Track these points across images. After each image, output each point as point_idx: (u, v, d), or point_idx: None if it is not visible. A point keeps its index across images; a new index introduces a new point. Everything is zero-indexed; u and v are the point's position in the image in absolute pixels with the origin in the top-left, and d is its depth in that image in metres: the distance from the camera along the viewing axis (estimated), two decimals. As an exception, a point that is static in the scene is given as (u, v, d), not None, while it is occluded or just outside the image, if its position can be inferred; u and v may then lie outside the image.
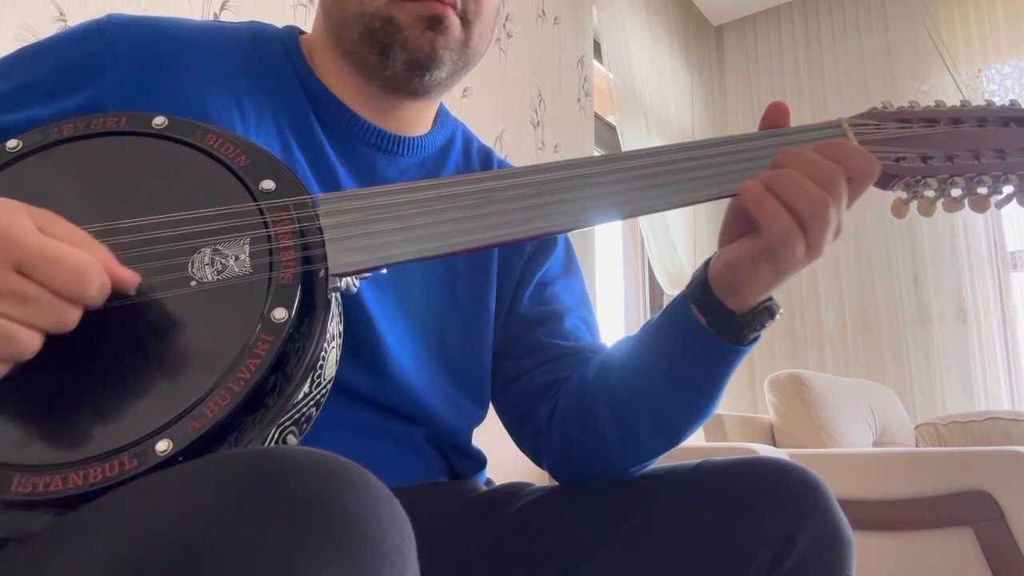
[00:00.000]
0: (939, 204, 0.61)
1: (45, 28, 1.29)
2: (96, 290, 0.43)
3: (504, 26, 2.39)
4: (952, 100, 0.63)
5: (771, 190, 0.55)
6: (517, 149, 2.36)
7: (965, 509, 1.73)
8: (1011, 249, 3.03)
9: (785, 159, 0.56)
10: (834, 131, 0.61)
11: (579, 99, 2.70)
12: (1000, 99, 0.64)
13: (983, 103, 0.63)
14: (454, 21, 0.67)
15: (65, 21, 1.31)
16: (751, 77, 3.63)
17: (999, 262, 3.01)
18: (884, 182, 0.60)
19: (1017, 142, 0.61)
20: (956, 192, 0.60)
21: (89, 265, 0.43)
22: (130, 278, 0.46)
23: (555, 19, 2.63)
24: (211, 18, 1.55)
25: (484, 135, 2.25)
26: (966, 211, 0.61)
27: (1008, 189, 0.60)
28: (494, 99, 2.30)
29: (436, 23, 0.66)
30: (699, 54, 3.52)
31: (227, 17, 1.57)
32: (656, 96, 3.00)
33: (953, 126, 0.61)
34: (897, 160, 0.60)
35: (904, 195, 0.61)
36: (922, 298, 3.09)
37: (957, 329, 3.01)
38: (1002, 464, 1.74)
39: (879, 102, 0.63)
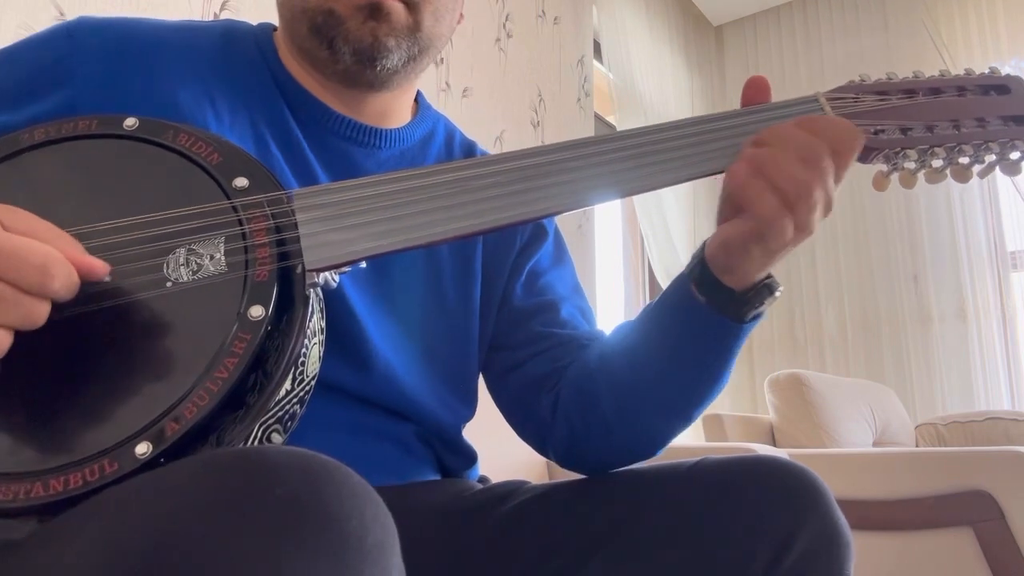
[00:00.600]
0: (920, 175, 0.60)
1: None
2: (61, 282, 0.42)
3: (504, 26, 2.39)
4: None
5: (757, 172, 0.54)
6: (517, 149, 2.35)
7: (965, 509, 1.73)
8: (1011, 249, 3.02)
9: (767, 137, 0.55)
10: (812, 106, 0.60)
11: (579, 99, 2.70)
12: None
13: (963, 72, 0.62)
14: (395, 7, 0.66)
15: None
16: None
17: (999, 262, 3.01)
18: (864, 155, 0.59)
19: (997, 110, 0.60)
20: (937, 163, 0.60)
21: (52, 258, 0.42)
22: (98, 267, 0.45)
23: (555, 19, 2.63)
24: (211, 18, 1.55)
25: (484, 135, 2.25)
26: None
27: (990, 158, 0.60)
28: (494, 99, 2.30)
29: (376, 11, 0.65)
30: (699, 54, 3.52)
31: (226, 16, 1.57)
32: (656, 96, 3.00)
33: (932, 96, 0.61)
34: (876, 132, 0.59)
35: (885, 168, 0.60)
36: (922, 298, 3.09)
37: (957, 329, 3.01)
38: (1002, 464, 1.74)
39: (857, 74, 0.63)
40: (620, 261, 3.17)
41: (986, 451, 1.84)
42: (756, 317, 0.62)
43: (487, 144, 2.15)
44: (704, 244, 0.62)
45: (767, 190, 0.54)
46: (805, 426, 2.32)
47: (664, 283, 2.87)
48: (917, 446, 2.58)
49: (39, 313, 0.42)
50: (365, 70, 0.68)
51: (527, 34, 2.48)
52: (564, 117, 2.61)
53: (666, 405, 0.67)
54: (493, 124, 2.28)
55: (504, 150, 2.28)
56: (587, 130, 2.72)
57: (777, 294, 0.62)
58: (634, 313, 3.21)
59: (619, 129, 2.80)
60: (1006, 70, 3.03)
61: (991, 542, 1.70)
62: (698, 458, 0.68)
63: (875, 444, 2.44)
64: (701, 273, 0.61)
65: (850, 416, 2.38)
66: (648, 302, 2.82)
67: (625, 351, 0.69)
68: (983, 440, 2.47)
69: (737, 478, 0.63)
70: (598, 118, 2.91)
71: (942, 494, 1.76)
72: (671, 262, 2.86)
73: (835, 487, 0.63)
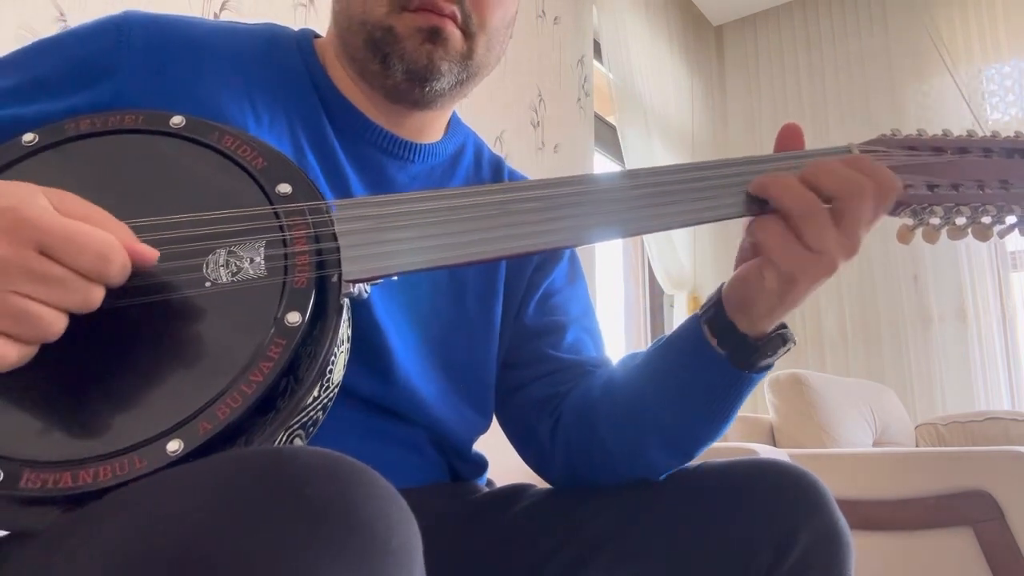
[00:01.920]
0: (944, 232, 0.62)
1: (45, 28, 1.29)
2: (118, 268, 0.43)
3: (504, 26, 2.38)
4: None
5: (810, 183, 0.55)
6: (517, 149, 2.36)
7: (965, 509, 1.73)
8: (1011, 249, 3.03)
9: (817, 172, 0.56)
10: (844, 156, 0.61)
11: (579, 99, 2.70)
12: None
13: (989, 134, 0.64)
14: (453, 33, 0.67)
15: (65, 21, 1.31)
16: (751, 77, 3.63)
17: (999, 262, 3.01)
18: (893, 208, 0.60)
19: (1021, 173, 0.62)
20: (961, 220, 0.61)
21: (110, 244, 0.43)
22: (149, 254, 0.46)
23: (555, 19, 2.63)
24: (211, 18, 1.55)
25: (484, 135, 2.24)
26: (976, 240, 0.62)
27: (1011, 219, 0.61)
28: (494, 99, 2.30)
29: (435, 35, 0.66)
30: (699, 54, 3.52)
31: (227, 17, 1.57)
32: (656, 96, 3.00)
33: (960, 155, 0.62)
34: (905, 187, 0.60)
35: (910, 222, 0.62)
36: (922, 298, 3.09)
37: (957, 329, 3.01)
38: (1002, 464, 1.74)
39: (889, 129, 0.64)
40: (620, 262, 3.17)
41: (986, 451, 1.84)
42: (767, 367, 0.63)
43: (487, 144, 2.15)
44: (721, 287, 0.63)
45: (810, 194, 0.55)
46: (805, 426, 2.32)
47: (664, 284, 2.87)
48: (917, 446, 2.58)
49: (96, 297, 0.43)
50: (414, 89, 0.69)
51: (527, 34, 2.48)
52: (564, 117, 2.61)
53: (667, 443, 0.67)
54: (493, 124, 2.28)
55: (504, 150, 2.29)
56: (587, 130, 2.72)
57: (790, 345, 0.62)
58: (633, 313, 3.17)
59: (619, 128, 2.80)
60: (1006, 70, 2.98)
61: (991, 542, 1.70)
62: (699, 461, 0.68)
63: (875, 444, 2.44)
64: (715, 315, 0.62)
65: (850, 416, 2.38)
66: (648, 302, 2.78)
67: (630, 387, 0.69)
68: (983, 440, 2.47)
69: (738, 481, 0.63)
70: (598, 118, 2.91)
71: (942, 494, 1.76)
72: (671, 262, 2.86)
73: (835, 487, 0.64)
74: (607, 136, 2.99)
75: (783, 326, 0.62)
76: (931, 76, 3.18)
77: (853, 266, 3.22)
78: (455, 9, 0.67)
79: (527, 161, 2.39)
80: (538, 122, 2.48)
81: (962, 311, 3.01)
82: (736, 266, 0.62)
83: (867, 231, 0.57)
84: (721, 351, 0.62)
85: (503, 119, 2.32)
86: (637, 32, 2.95)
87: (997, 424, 2.49)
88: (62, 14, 1.32)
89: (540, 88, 2.51)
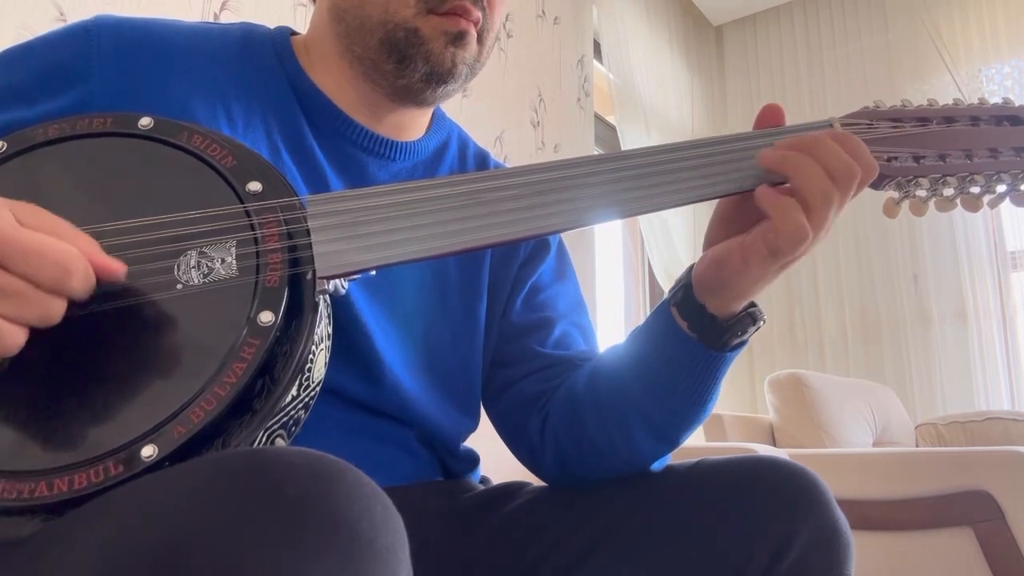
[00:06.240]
0: (931, 204, 0.61)
1: (45, 28, 1.28)
2: (79, 281, 0.42)
3: (504, 26, 2.38)
4: (946, 100, 0.63)
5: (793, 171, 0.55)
6: (517, 149, 2.35)
7: (965, 509, 1.73)
8: (1011, 249, 3.02)
9: (809, 144, 0.56)
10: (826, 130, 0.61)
11: (579, 99, 2.70)
12: (996, 99, 0.63)
13: (976, 101, 0.63)
14: (474, 37, 0.68)
15: (65, 21, 1.31)
16: (751, 77, 3.63)
17: (999, 262, 3.01)
18: (876, 182, 0.59)
19: (1010, 141, 0.60)
20: (948, 191, 0.60)
21: (71, 256, 0.42)
22: (115, 267, 0.45)
23: (555, 19, 2.63)
24: (211, 18, 1.55)
25: (484, 135, 2.25)
26: (965, 211, 0.60)
27: (1001, 188, 0.60)
28: (494, 99, 2.30)
29: (459, 38, 0.67)
30: (699, 54, 3.52)
31: (227, 17, 1.57)
32: (656, 96, 3.00)
33: (946, 125, 0.61)
34: (889, 160, 0.59)
35: (896, 195, 0.61)
36: (922, 298, 3.09)
37: (957, 329, 3.01)
38: (1002, 464, 1.74)
39: (872, 101, 0.63)
40: (620, 260, 3.17)
41: (986, 451, 1.84)
42: (739, 345, 0.62)
43: (487, 144, 2.15)
44: (690, 269, 0.63)
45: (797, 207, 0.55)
46: (805, 426, 2.32)
47: (664, 283, 2.87)
48: (917, 446, 2.58)
49: (55, 311, 0.42)
50: (427, 89, 0.69)
51: (527, 34, 2.48)
52: (564, 117, 2.61)
53: (651, 430, 0.67)
54: (493, 124, 2.28)
55: (504, 150, 2.29)
56: (587, 130, 2.72)
57: (761, 324, 0.62)
58: (634, 313, 3.16)
59: (619, 128, 2.80)
60: (1006, 70, 2.98)
61: (991, 542, 1.70)
62: (697, 459, 0.68)
63: (875, 444, 2.44)
64: (684, 298, 0.62)
65: (850, 416, 2.38)
66: (648, 302, 2.78)
67: (610, 376, 0.69)
68: (983, 440, 2.47)
69: (736, 478, 0.63)
70: (598, 118, 2.91)
71: (942, 494, 1.76)
72: (671, 261, 2.86)
73: (835, 487, 0.63)
74: (607, 136, 2.99)
75: (752, 305, 0.62)
76: (931, 76, 3.18)
77: (853, 266, 3.23)
78: (479, 15, 0.68)
79: (527, 161, 2.38)
80: (538, 122, 2.48)
81: (962, 311, 3.01)
82: (706, 246, 0.62)
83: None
84: (692, 334, 0.62)
85: (503, 119, 2.32)
86: (637, 32, 2.95)
87: (997, 424, 2.49)
88: (62, 14, 1.32)
89: (540, 88, 2.51)
